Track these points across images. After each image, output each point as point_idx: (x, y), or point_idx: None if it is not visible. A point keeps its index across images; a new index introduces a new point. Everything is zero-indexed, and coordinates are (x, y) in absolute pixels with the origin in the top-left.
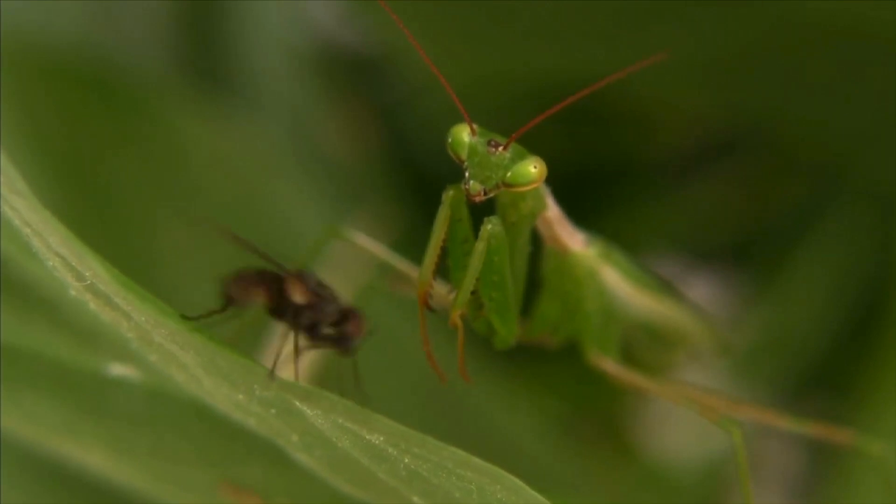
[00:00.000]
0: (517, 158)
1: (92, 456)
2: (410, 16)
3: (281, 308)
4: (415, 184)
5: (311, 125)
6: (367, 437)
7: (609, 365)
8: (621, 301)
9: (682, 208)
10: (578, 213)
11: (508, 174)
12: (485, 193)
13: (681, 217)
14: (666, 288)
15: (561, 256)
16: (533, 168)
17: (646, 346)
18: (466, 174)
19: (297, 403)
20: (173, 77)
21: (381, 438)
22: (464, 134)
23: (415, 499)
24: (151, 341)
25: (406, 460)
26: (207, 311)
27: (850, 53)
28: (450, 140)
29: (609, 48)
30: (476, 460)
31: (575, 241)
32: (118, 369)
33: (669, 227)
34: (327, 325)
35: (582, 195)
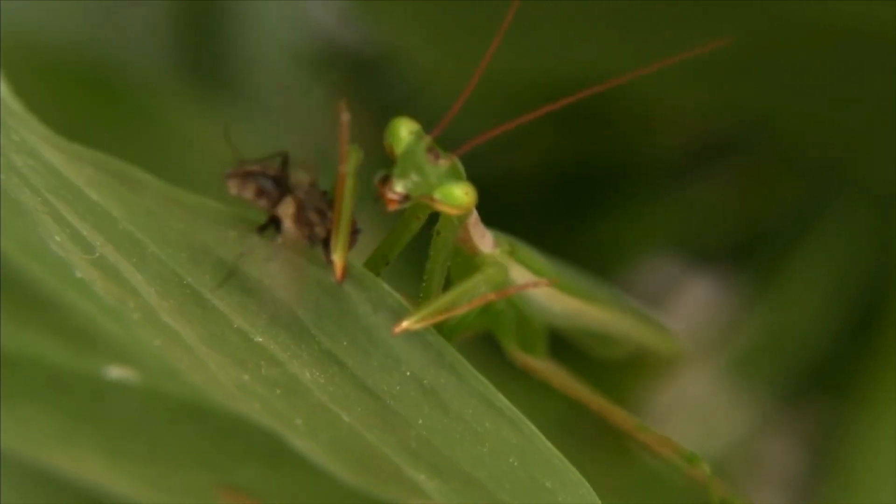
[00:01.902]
0: (452, 176)
1: (89, 462)
2: (411, 15)
3: (277, 196)
4: None
5: (311, 125)
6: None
7: (532, 361)
8: (533, 299)
9: (682, 208)
10: (579, 213)
11: (438, 190)
12: (404, 200)
13: (681, 217)
14: (594, 290)
15: (468, 255)
16: (465, 194)
17: (589, 344)
18: (392, 172)
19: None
20: (173, 77)
21: (398, 390)
22: (403, 128)
23: (421, 477)
24: (157, 320)
25: (420, 422)
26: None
27: (850, 53)
28: (388, 131)
29: (609, 48)
30: (501, 399)
31: (485, 243)
32: (115, 371)
33: (669, 227)
34: (316, 212)
35: (582, 195)
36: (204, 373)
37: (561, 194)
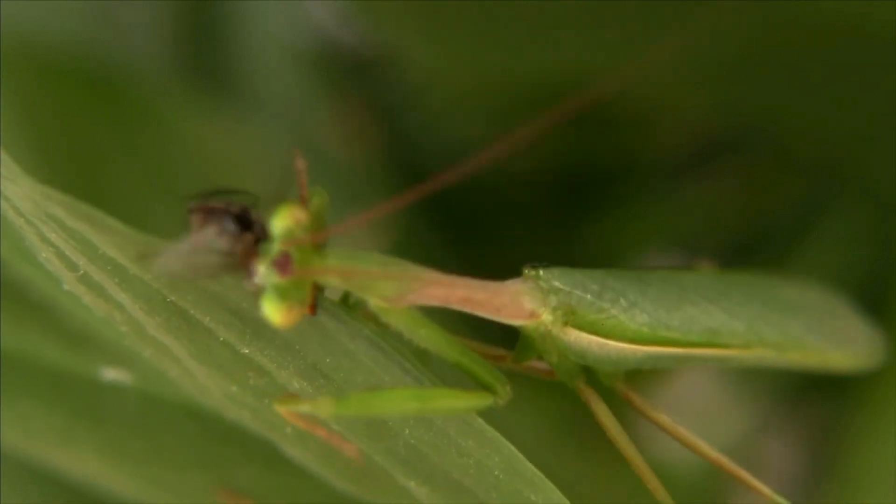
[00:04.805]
0: (278, 293)
1: (87, 462)
2: (411, 16)
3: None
4: (415, 184)
5: (311, 125)
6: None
7: (621, 388)
8: (605, 356)
9: (682, 208)
10: (579, 214)
11: (263, 298)
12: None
13: (681, 217)
14: (716, 321)
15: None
16: (280, 315)
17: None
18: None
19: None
20: (173, 77)
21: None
22: (277, 224)
23: (411, 484)
24: (145, 334)
25: (406, 432)
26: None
27: (850, 53)
28: (274, 213)
29: (609, 48)
30: (478, 422)
31: (513, 312)
32: (111, 373)
33: (669, 227)
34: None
35: (582, 195)
36: (194, 383)
37: (561, 194)
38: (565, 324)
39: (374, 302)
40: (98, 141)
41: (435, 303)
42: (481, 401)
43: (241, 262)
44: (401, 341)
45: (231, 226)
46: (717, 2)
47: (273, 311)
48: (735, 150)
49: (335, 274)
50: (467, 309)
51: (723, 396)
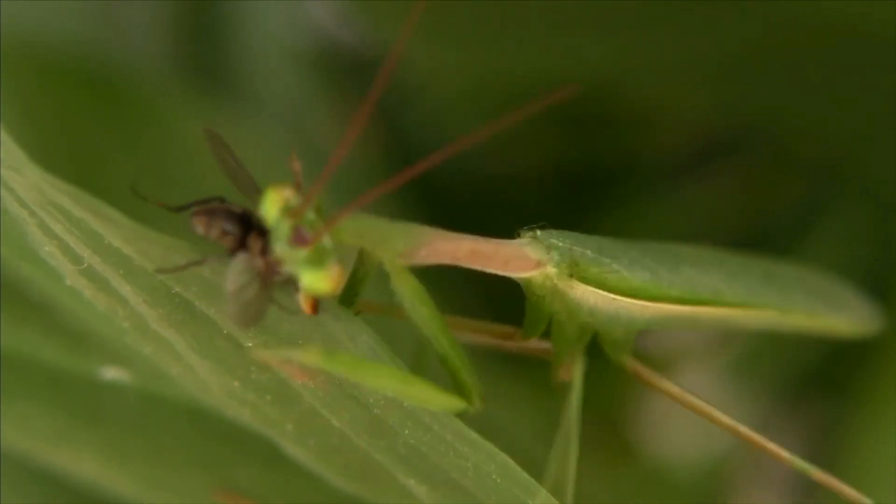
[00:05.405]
0: (312, 262)
1: (87, 461)
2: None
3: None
4: (415, 184)
5: (311, 125)
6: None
7: (629, 362)
8: (616, 315)
9: (682, 208)
10: (579, 213)
11: (300, 276)
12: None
13: (681, 217)
14: (716, 281)
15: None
16: (323, 280)
17: None
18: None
19: (294, 385)
20: (173, 77)
21: (383, 403)
22: (271, 203)
23: (411, 482)
24: (147, 329)
25: (406, 432)
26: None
27: (850, 53)
28: (261, 199)
29: (609, 48)
30: (472, 434)
31: (520, 265)
32: (111, 373)
33: (669, 227)
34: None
35: (582, 195)
36: (195, 380)
37: (562, 194)
38: (570, 276)
39: (387, 259)
40: (98, 141)
41: (445, 259)
42: (455, 404)
43: (261, 265)
44: (397, 348)
45: (233, 227)
46: (718, 2)
47: (318, 281)
48: (735, 150)
49: (348, 228)
50: (477, 265)
51: (723, 396)
